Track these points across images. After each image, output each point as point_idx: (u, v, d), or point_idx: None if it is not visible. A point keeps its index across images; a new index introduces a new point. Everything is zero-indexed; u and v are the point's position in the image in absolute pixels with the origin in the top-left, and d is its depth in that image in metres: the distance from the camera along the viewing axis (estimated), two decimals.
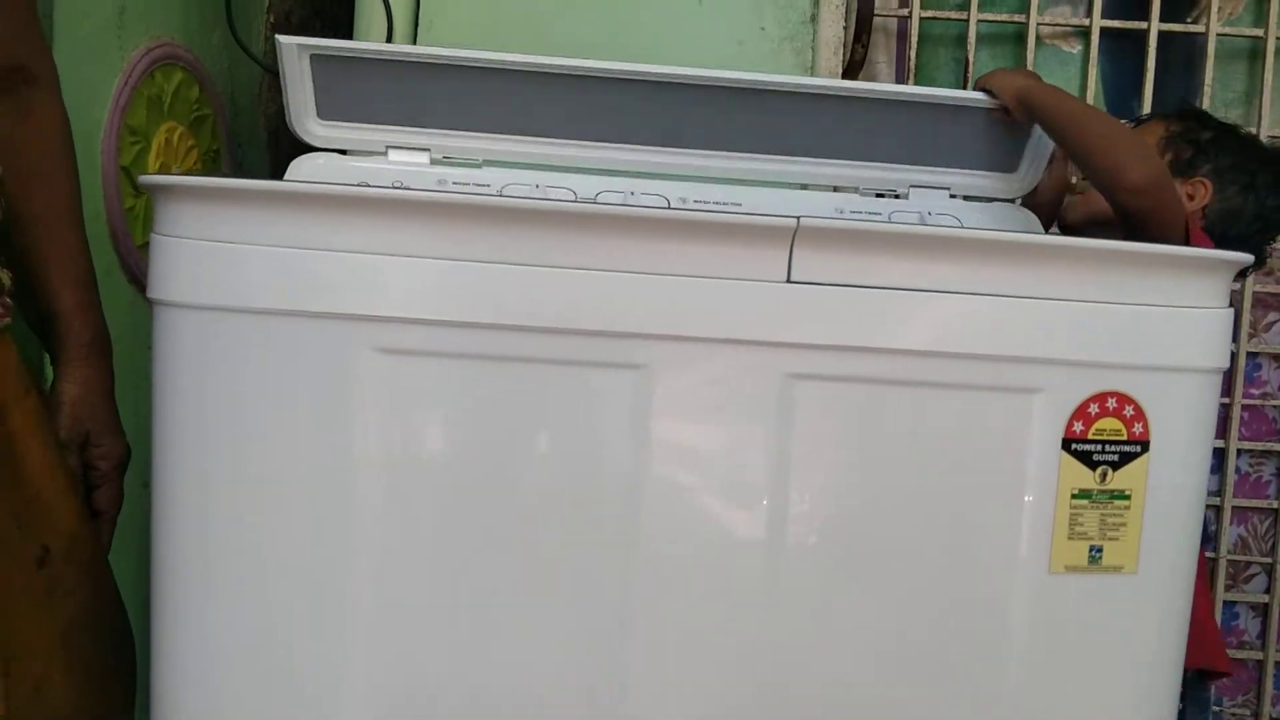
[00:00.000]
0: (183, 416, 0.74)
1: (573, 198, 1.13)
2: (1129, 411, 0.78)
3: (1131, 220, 1.04)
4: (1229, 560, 1.59)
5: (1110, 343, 0.77)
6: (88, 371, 0.91)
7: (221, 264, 0.72)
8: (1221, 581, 1.58)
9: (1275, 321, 1.59)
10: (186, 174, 1.36)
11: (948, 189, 1.20)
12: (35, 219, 0.89)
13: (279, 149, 1.68)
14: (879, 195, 1.20)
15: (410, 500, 0.73)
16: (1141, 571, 0.79)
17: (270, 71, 1.59)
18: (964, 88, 1.53)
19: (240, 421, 0.73)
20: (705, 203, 1.15)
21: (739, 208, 1.15)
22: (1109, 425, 0.77)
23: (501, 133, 1.16)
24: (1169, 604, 0.81)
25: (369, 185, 1.10)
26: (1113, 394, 0.77)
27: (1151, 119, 1.28)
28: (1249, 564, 1.60)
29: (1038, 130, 1.17)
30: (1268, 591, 1.60)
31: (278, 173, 1.66)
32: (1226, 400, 1.58)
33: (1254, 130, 1.52)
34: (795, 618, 0.75)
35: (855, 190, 1.20)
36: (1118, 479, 0.78)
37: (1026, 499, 0.77)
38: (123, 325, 1.18)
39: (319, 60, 1.15)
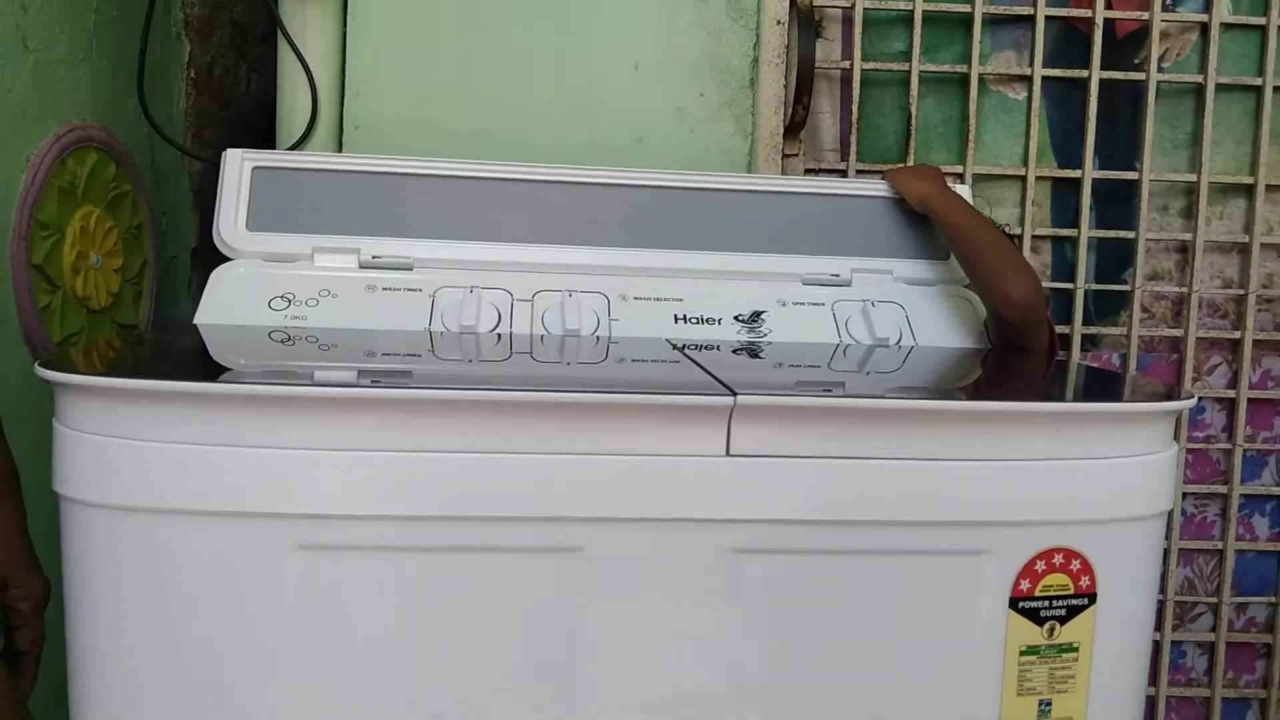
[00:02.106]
0: (95, 617, 0.71)
1: (508, 299, 1.10)
2: (1075, 566, 0.77)
3: (1004, 326, 1.10)
4: (1176, 601, 1.60)
5: (1055, 500, 0.76)
6: None
7: (126, 463, 0.68)
8: (1169, 622, 1.60)
9: (1218, 365, 1.59)
10: (106, 258, 1.31)
11: (890, 273, 1.18)
12: None
13: (205, 207, 1.63)
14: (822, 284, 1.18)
15: (339, 697, 0.70)
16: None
17: (188, 154, 1.53)
18: (909, 136, 1.51)
19: (156, 622, 0.69)
20: (646, 298, 1.12)
21: (680, 302, 1.12)
22: (1056, 581, 0.76)
23: (433, 236, 1.12)
24: None
25: (293, 294, 1.06)
26: (1059, 550, 0.76)
27: None
28: (1195, 604, 1.62)
29: None
30: (1213, 630, 1.62)
31: (203, 237, 1.61)
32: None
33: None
34: None
35: (799, 279, 1.17)
36: (1065, 632, 0.77)
37: (973, 658, 0.76)
38: (44, 428, 1.14)
39: (259, 171, 1.10)
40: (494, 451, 0.70)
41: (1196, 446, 1.60)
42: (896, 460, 0.73)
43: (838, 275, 1.18)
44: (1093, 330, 1.57)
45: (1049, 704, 0.78)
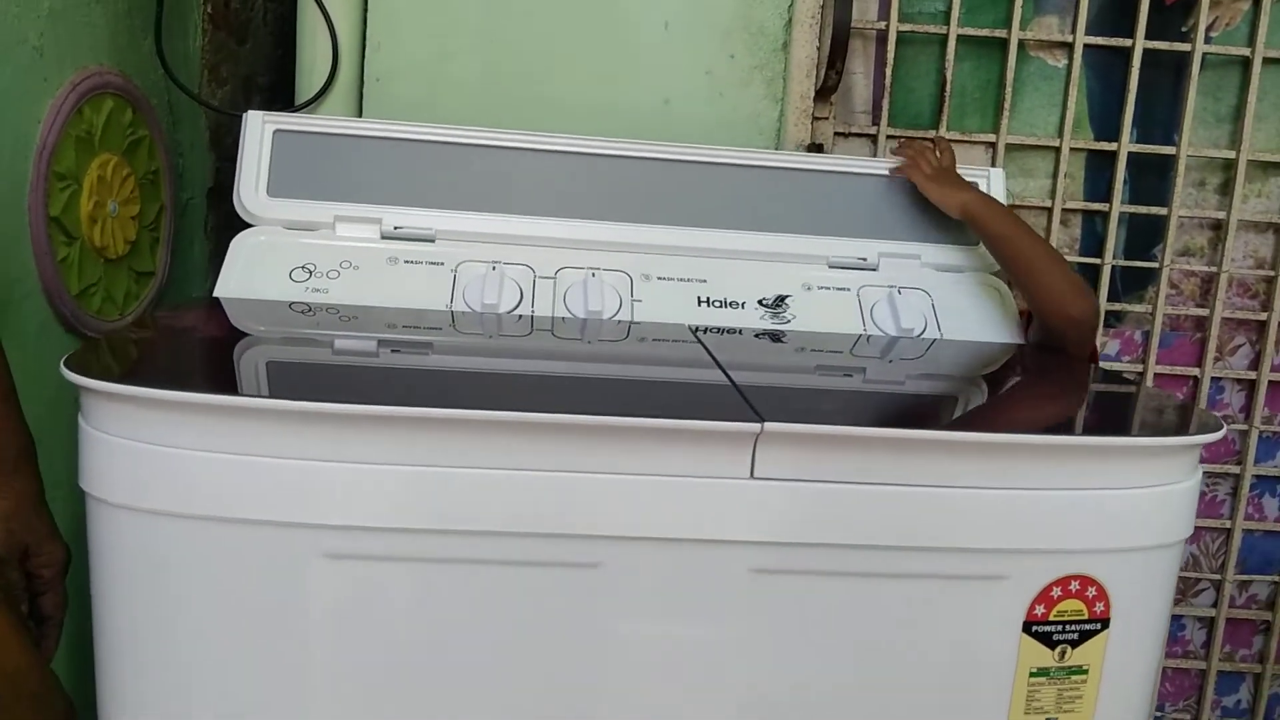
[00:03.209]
0: (119, 615, 0.72)
1: (530, 275, 1.08)
2: (1091, 592, 0.77)
3: (1056, 337, 1.08)
4: (1180, 577, 1.62)
5: (1075, 528, 0.76)
6: (17, 484, 0.89)
7: (154, 468, 0.68)
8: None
9: (1241, 345, 1.58)
10: (123, 205, 1.29)
11: (918, 257, 1.16)
12: None
13: (221, 145, 1.60)
14: (848, 267, 1.16)
15: (363, 707, 0.72)
16: None
17: (205, 105, 1.50)
18: (943, 101, 1.47)
19: (181, 623, 0.70)
20: (670, 278, 1.11)
21: (704, 284, 1.11)
22: (1071, 607, 0.77)
23: (456, 208, 1.10)
24: None
25: (314, 265, 1.05)
26: (1076, 577, 0.76)
27: None
28: (1199, 580, 1.64)
29: None
30: (1214, 605, 1.64)
31: (219, 177, 1.59)
32: None
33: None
34: None
35: (825, 262, 1.15)
36: (1076, 655, 0.78)
37: (983, 679, 0.77)
38: (57, 376, 1.14)
39: (281, 134, 1.08)
40: (518, 469, 0.69)
41: None
42: (919, 487, 0.73)
43: (864, 259, 1.16)
44: (1118, 307, 1.56)
45: None
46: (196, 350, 0.80)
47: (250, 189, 1.09)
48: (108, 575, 0.72)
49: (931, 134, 1.45)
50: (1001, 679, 0.77)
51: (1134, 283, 1.57)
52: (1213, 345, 1.55)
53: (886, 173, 1.18)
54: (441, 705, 0.72)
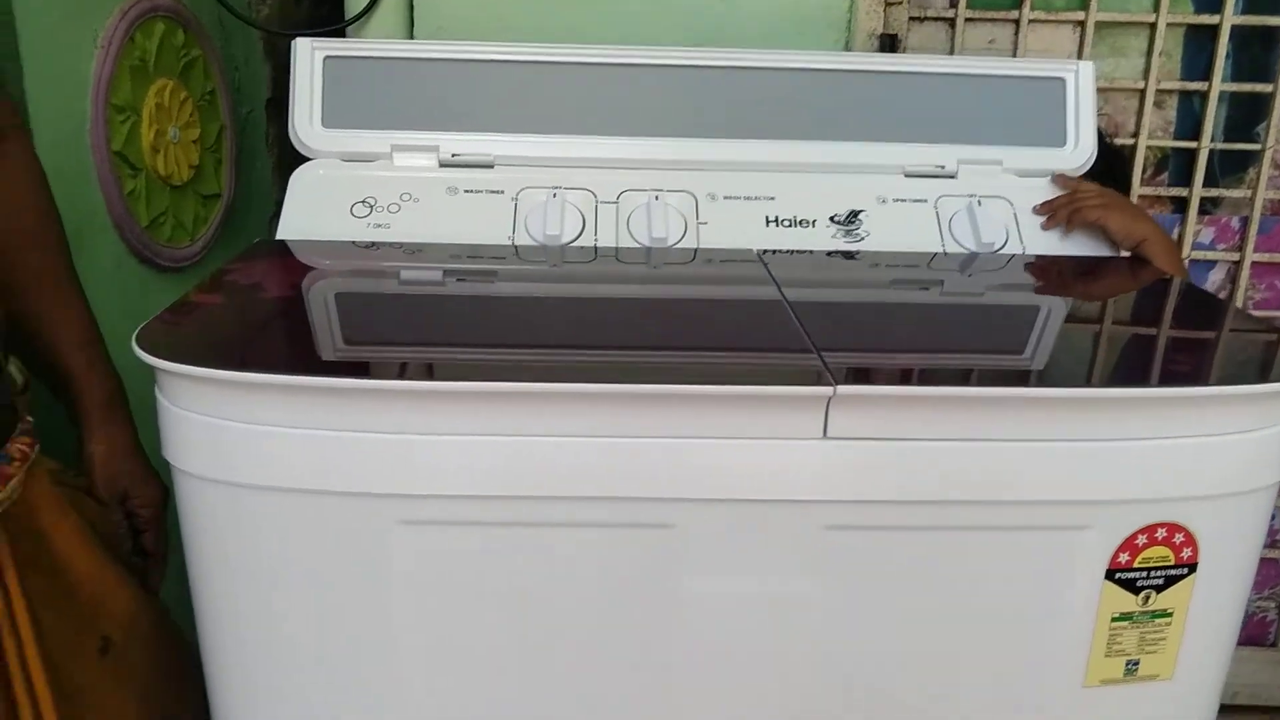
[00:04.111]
0: (210, 584, 0.74)
1: (593, 201, 1.06)
2: (1179, 539, 0.75)
3: None
4: None
5: (1162, 477, 0.73)
6: (111, 429, 0.92)
7: (234, 443, 0.69)
8: None
9: None
10: (183, 130, 1.29)
11: (999, 163, 1.10)
12: (24, 286, 0.86)
13: (277, 52, 1.57)
14: (926, 175, 1.11)
15: (448, 664, 0.74)
16: (1176, 676, 0.79)
17: (252, 25, 1.46)
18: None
19: (272, 590, 0.73)
20: (736, 197, 1.07)
21: (773, 201, 1.07)
22: (1157, 553, 0.75)
23: (514, 131, 1.07)
24: (1202, 702, 0.81)
25: (374, 199, 1.03)
26: (1163, 525, 0.74)
27: None
28: None
29: (1075, 103, 1.08)
30: None
31: (276, 89, 1.57)
32: None
33: None
34: None
35: (900, 171, 1.10)
36: (1160, 600, 0.77)
37: (1064, 626, 0.76)
38: (137, 308, 1.17)
39: (331, 61, 1.05)
40: (591, 436, 0.69)
41: None
42: (995, 441, 0.71)
43: (942, 166, 1.10)
44: (1214, 193, 1.47)
45: (1136, 663, 0.78)
46: (268, 317, 0.80)
47: (305, 121, 1.07)
48: (195, 543, 0.74)
49: (1014, 16, 1.35)
50: (1082, 624, 0.76)
51: (1232, 165, 1.48)
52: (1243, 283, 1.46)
53: (965, 71, 1.10)
54: (521, 664, 0.74)
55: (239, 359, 0.70)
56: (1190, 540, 0.75)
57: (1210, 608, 0.78)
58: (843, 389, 0.67)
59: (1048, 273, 1.02)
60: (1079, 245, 1.06)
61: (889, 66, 1.11)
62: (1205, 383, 0.72)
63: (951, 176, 1.10)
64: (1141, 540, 0.74)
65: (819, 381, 0.68)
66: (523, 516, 0.71)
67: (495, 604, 0.73)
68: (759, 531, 0.72)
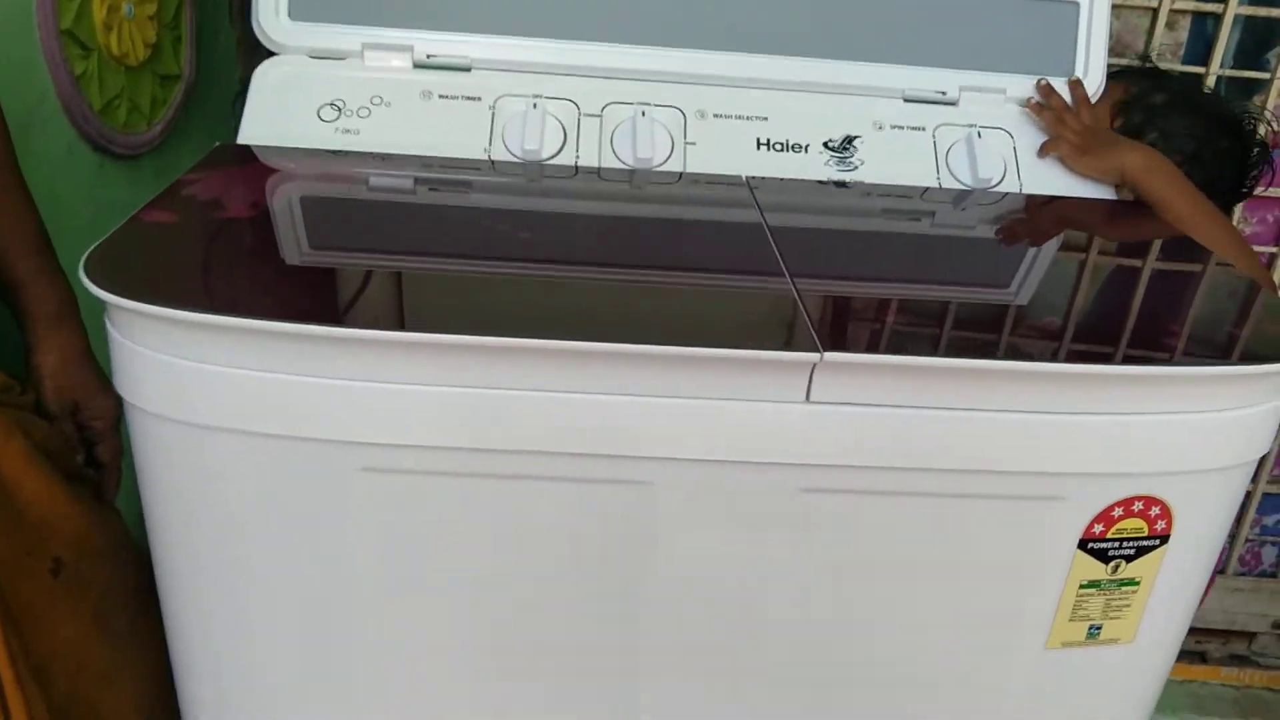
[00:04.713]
0: (172, 519, 0.72)
1: (575, 113, 1.00)
2: (1155, 511, 0.74)
3: None
4: None
5: (1142, 452, 0.72)
6: (61, 338, 0.88)
7: (189, 382, 0.66)
8: None
9: None
10: (139, 5, 1.20)
11: (1003, 91, 1.05)
12: None
13: None
14: (926, 101, 1.06)
15: (409, 615, 0.73)
16: (1137, 639, 0.80)
17: None
18: None
19: (229, 532, 0.71)
20: (727, 116, 1.02)
21: (765, 122, 1.02)
22: (1131, 525, 0.74)
23: (494, 32, 1.00)
24: (1158, 663, 0.82)
25: (343, 101, 0.97)
26: (1140, 498, 0.73)
27: (1113, 79, 1.11)
28: None
29: (1088, 29, 1.03)
30: None
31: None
32: (1275, 249, 1.49)
33: None
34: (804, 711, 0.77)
35: (900, 96, 1.05)
36: (1130, 569, 0.76)
37: (1032, 591, 0.76)
38: (91, 197, 1.11)
39: None
40: (565, 391, 0.66)
41: None
42: (979, 411, 0.69)
43: (944, 93, 1.05)
44: None
45: (1099, 627, 0.79)
46: (227, 243, 0.75)
47: (270, 12, 0.99)
48: (149, 479, 0.71)
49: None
50: (1050, 590, 0.76)
51: (1238, 91, 1.43)
52: None
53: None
54: (486, 617, 0.73)
55: (195, 295, 0.66)
56: (1166, 513, 0.74)
57: (1177, 576, 0.78)
58: (829, 356, 0.65)
59: (1028, 222, 0.98)
60: (1078, 185, 1.02)
61: None
62: (1189, 361, 0.70)
63: (953, 104, 1.05)
64: (1118, 513, 0.74)
65: (806, 347, 0.65)
66: (491, 468, 0.69)
67: (461, 555, 0.71)
68: (735, 491, 0.70)
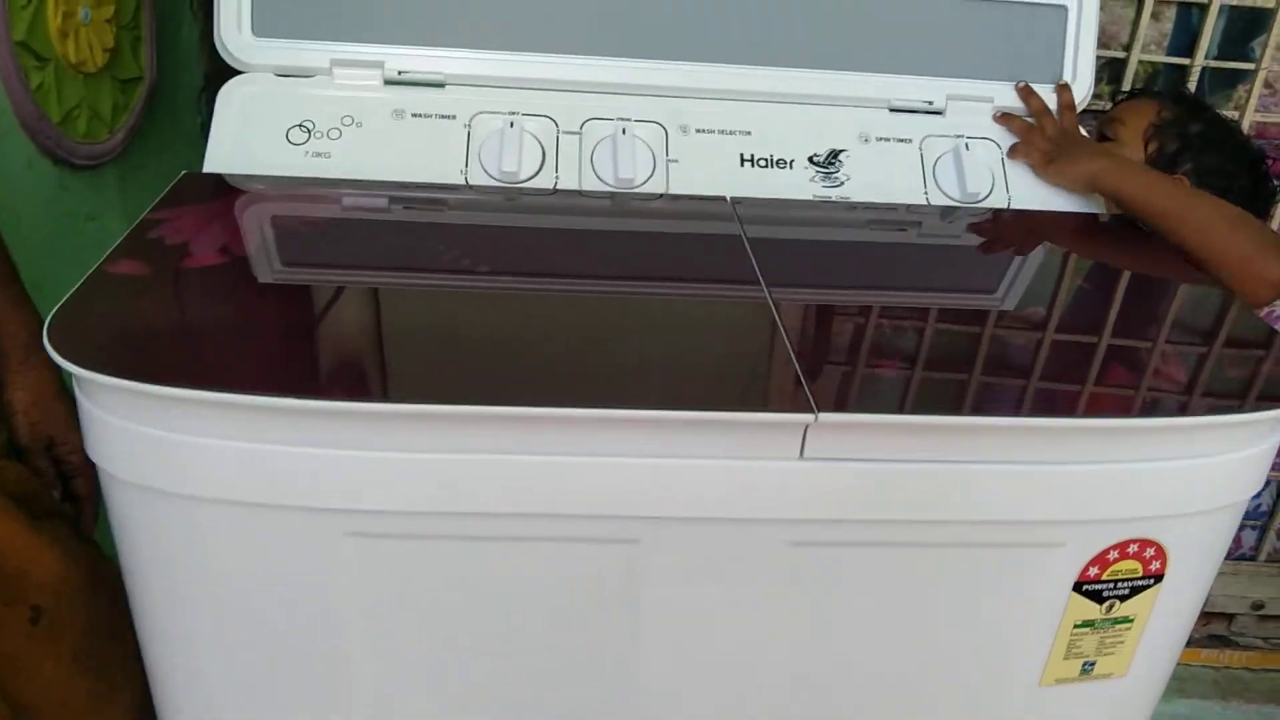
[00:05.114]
0: (151, 585, 0.70)
1: (554, 131, 0.97)
2: (1150, 553, 0.74)
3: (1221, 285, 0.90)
4: None
5: (1139, 498, 0.71)
6: (32, 374, 0.86)
7: (168, 453, 0.64)
8: None
9: None
10: (95, 8, 1.15)
11: (990, 100, 1.03)
12: None
13: None
14: (913, 111, 1.03)
15: (395, 672, 0.71)
16: (1129, 674, 0.80)
17: None
18: None
19: (210, 591, 0.69)
20: (710, 130, 0.99)
21: (749, 137, 1.00)
22: (1126, 567, 0.74)
23: (467, 45, 0.97)
24: (1149, 694, 0.83)
25: (312, 122, 0.94)
26: (1135, 540, 0.73)
27: (1144, 97, 1.10)
28: None
29: (1076, 34, 1.01)
30: None
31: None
32: None
33: None
34: None
35: (885, 106, 1.03)
36: (1124, 608, 0.76)
37: (1027, 632, 0.76)
38: (53, 211, 1.08)
39: None
40: (552, 454, 0.64)
41: None
42: (975, 464, 0.67)
43: (930, 102, 1.02)
44: None
45: (1093, 664, 0.78)
46: (197, 298, 0.72)
47: (233, 28, 0.95)
48: (126, 545, 0.69)
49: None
50: (1045, 631, 0.76)
51: (1222, 81, 1.41)
52: None
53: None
54: (476, 678, 0.72)
55: (167, 363, 0.63)
56: (1161, 554, 0.74)
57: (1171, 611, 0.78)
58: (824, 416, 0.63)
59: (1011, 240, 0.96)
60: (1066, 198, 1.01)
61: None
62: (1186, 411, 0.69)
63: (939, 113, 1.03)
64: (1113, 555, 0.73)
65: (800, 405, 0.64)
66: (479, 531, 0.67)
67: (450, 614, 0.70)
68: (724, 547, 0.69)
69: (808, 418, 0.63)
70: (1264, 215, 1.12)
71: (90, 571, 0.91)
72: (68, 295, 0.68)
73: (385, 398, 0.62)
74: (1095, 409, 0.68)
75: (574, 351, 0.69)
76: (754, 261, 0.81)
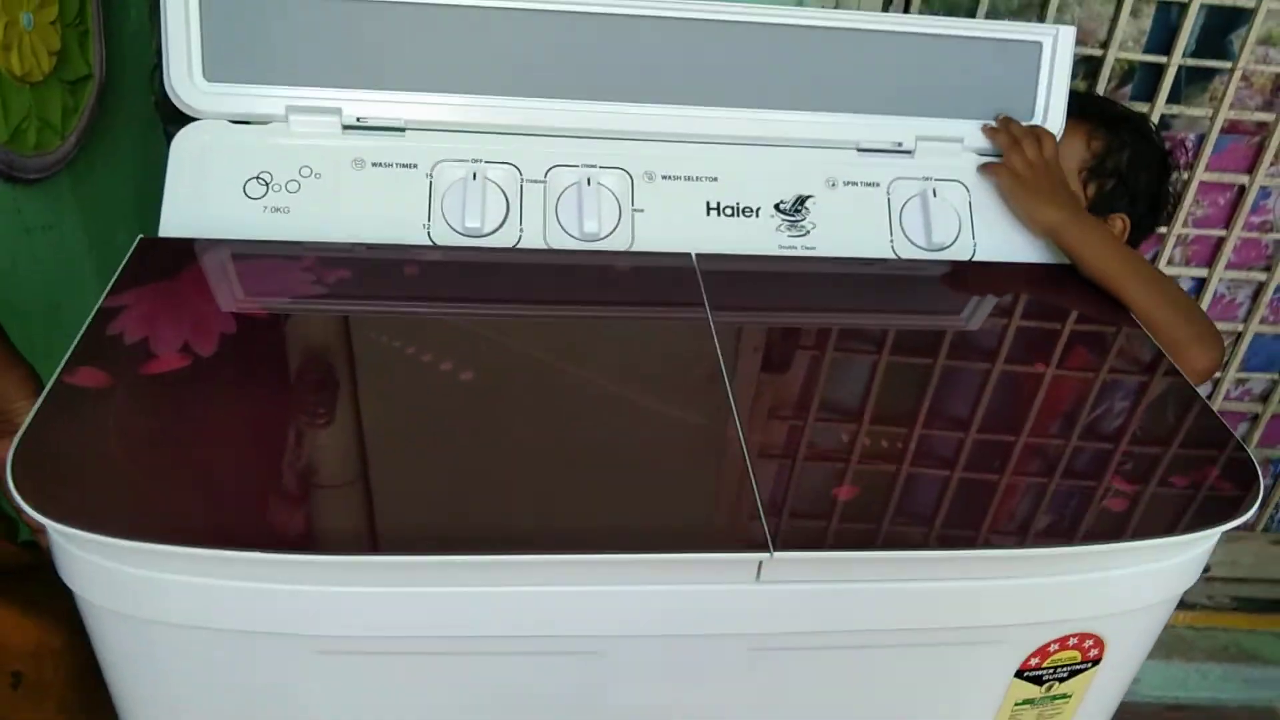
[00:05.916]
0: (128, 699, 0.72)
1: (517, 179, 0.96)
2: (1089, 644, 0.77)
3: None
4: None
5: (1081, 602, 0.74)
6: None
7: (140, 588, 0.65)
8: None
9: None
10: (37, 12, 1.11)
11: (960, 140, 1.02)
12: None
13: None
14: (882, 151, 1.02)
15: None
16: None
17: None
18: None
19: (186, 705, 0.71)
20: (676, 177, 0.99)
21: (715, 183, 0.99)
22: (1066, 655, 0.77)
23: (427, 89, 0.95)
24: None
25: (270, 174, 0.92)
26: (1076, 635, 0.76)
27: (1071, 119, 1.05)
28: None
29: (1050, 72, 1.00)
30: (1210, 397, 1.65)
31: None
32: (1223, 233, 1.49)
33: None
34: None
35: (854, 147, 1.02)
36: (1062, 687, 0.80)
37: (969, 714, 0.80)
38: (11, 230, 1.07)
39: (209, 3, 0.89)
40: (514, 586, 0.66)
41: (1250, 235, 1.50)
42: (925, 582, 0.70)
43: (900, 143, 1.01)
44: (1175, 110, 1.39)
45: None
46: (165, 418, 0.72)
47: (183, 74, 0.92)
48: (104, 660, 0.71)
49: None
50: (986, 711, 0.80)
51: (1199, 75, 1.39)
52: (1270, 154, 1.41)
53: (926, 31, 0.99)
54: None
55: (127, 508, 0.64)
56: (1099, 644, 0.77)
57: (1106, 685, 0.82)
58: (779, 555, 0.65)
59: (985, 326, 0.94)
60: (1030, 249, 1.01)
61: (846, 23, 0.98)
62: (1130, 535, 0.71)
63: (909, 153, 1.02)
64: (1054, 648, 0.77)
65: (756, 539, 0.66)
66: (446, 648, 0.69)
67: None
68: (685, 655, 0.72)
69: (762, 555, 0.65)
70: (1166, 219, 1.14)
71: (70, 626, 0.93)
72: (29, 417, 0.68)
73: (344, 549, 0.63)
74: (1042, 537, 0.70)
75: (534, 482, 0.70)
76: (721, 365, 0.81)
